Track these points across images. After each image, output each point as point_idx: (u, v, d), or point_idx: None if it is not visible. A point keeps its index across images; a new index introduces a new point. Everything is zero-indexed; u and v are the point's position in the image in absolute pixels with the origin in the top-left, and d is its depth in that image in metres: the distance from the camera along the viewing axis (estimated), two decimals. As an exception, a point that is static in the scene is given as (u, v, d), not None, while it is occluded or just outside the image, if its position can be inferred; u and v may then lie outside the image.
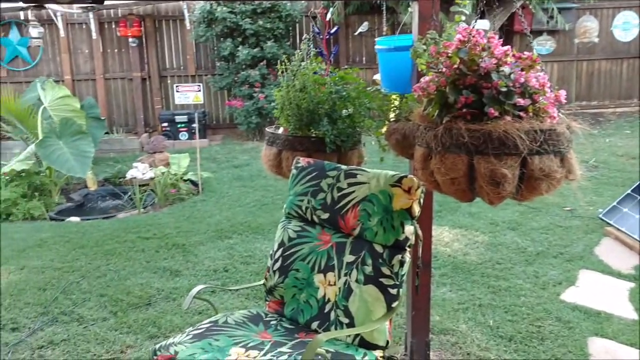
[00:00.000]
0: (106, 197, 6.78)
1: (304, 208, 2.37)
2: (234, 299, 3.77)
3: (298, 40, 10.15)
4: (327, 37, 3.33)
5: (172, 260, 4.51)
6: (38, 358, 3.18)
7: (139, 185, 6.36)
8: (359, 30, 9.73)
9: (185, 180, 6.73)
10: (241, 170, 7.58)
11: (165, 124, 9.49)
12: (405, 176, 2.12)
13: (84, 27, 9.81)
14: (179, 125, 9.47)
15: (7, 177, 6.15)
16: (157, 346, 2.06)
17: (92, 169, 6.92)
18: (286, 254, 2.36)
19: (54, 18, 9.43)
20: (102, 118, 8.94)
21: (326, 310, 2.20)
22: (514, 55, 1.70)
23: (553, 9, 9.51)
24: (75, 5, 9.46)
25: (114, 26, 9.84)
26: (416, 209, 2.10)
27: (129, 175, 6.92)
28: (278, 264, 2.37)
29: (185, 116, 9.42)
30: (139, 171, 6.88)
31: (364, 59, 10.26)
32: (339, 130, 2.59)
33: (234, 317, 2.27)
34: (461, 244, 4.64)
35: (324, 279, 2.23)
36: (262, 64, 9.12)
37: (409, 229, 2.09)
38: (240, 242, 4.85)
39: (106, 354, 3.16)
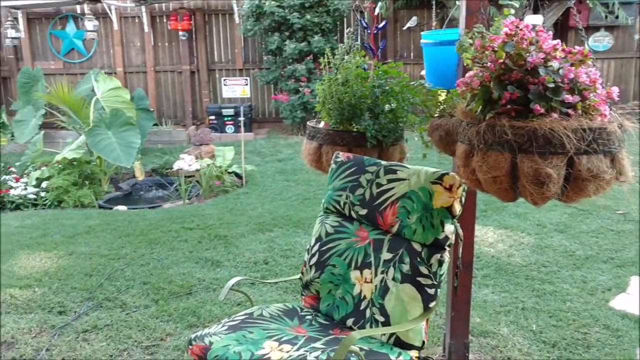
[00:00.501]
0: (153, 187, 6.93)
1: (342, 203, 2.35)
2: (272, 291, 3.78)
3: (345, 35, 10.11)
4: (375, 31, 3.29)
5: (213, 251, 4.56)
6: (82, 341, 3.28)
7: (185, 177, 6.46)
8: (408, 25, 9.61)
9: (229, 173, 6.81)
10: (284, 164, 7.61)
11: (213, 117, 9.63)
12: (447, 173, 2.06)
13: (136, 20, 10.04)
14: (225, 119, 9.59)
15: (60, 166, 6.36)
16: (193, 336, 2.08)
17: (141, 159, 7.09)
18: (323, 249, 2.34)
19: (109, 11, 9.70)
20: (151, 110, 9.15)
21: (362, 308, 2.17)
22: (563, 50, 1.63)
23: (614, 3, 9.13)
24: (128, -1, 9.72)
25: (165, 20, 10.04)
26: (457, 208, 2.04)
27: (175, 166, 7.05)
28: (315, 259, 2.36)
29: (232, 109, 9.53)
30: (185, 163, 7.00)
31: (411, 54, 10.13)
32: (380, 125, 2.55)
33: (269, 310, 2.27)
34: (506, 245, 4.51)
35: (360, 276, 2.20)
36: (308, 58, 9.12)
37: (449, 228, 2.04)
38: (281, 235, 4.87)
39: (147, 340, 3.22)
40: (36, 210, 5.94)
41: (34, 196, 6.03)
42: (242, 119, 7.41)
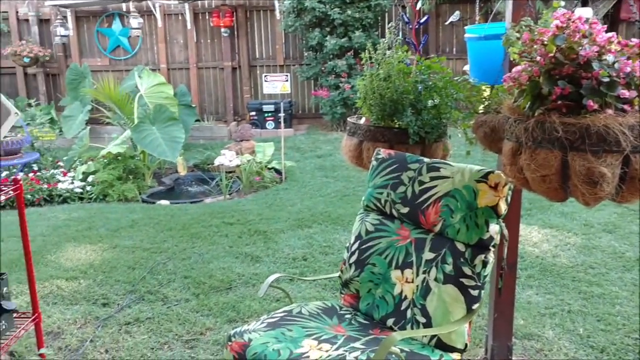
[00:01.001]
0: (195, 182, 7.03)
1: (383, 201, 2.31)
2: (311, 288, 3.77)
3: (387, 30, 10.00)
4: (417, 26, 3.22)
5: (253, 247, 4.58)
6: (124, 333, 3.34)
7: (226, 172, 6.52)
8: (450, 19, 9.44)
9: (269, 169, 6.83)
10: (324, 160, 7.60)
11: (253, 113, 9.69)
12: (492, 172, 2.00)
13: (179, 17, 10.19)
14: (266, 115, 9.63)
15: (105, 160, 6.51)
16: (232, 332, 2.08)
17: (183, 154, 7.19)
18: (363, 247, 2.31)
19: (153, 9, 9.87)
20: (193, 106, 9.28)
21: (402, 308, 2.13)
22: (619, 42, 1.54)
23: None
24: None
25: (207, 17, 10.15)
26: (502, 207, 1.98)
27: (216, 162, 7.12)
28: (354, 257, 2.32)
29: (273, 105, 9.57)
30: (226, 158, 7.07)
31: (454, 49, 9.95)
32: (423, 122, 2.50)
33: (309, 308, 2.25)
34: (551, 245, 4.38)
35: (401, 276, 2.16)
36: (349, 54, 9.07)
37: (494, 227, 1.97)
38: (320, 232, 4.86)
39: (187, 334, 3.26)
40: (82, 203, 6.09)
41: (80, 190, 6.19)
42: (282, 115, 7.41)
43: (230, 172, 6.79)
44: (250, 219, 5.24)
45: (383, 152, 2.38)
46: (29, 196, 5.95)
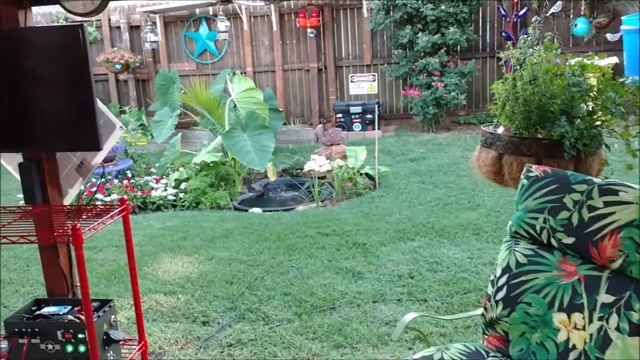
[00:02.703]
0: (285, 188, 6.84)
1: (538, 228, 1.94)
2: (422, 311, 3.43)
3: (481, 25, 9.45)
4: (515, 19, 2.81)
5: (353, 261, 4.30)
6: (227, 356, 3.15)
7: (317, 178, 6.29)
8: (551, 10, 8.76)
9: (361, 174, 6.54)
10: (418, 164, 7.20)
11: (340, 115, 9.43)
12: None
13: (265, 19, 10.09)
14: (352, 116, 9.35)
15: (197, 167, 6.45)
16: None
17: (271, 159, 7.03)
18: (513, 282, 1.95)
19: (239, 12, 9.83)
20: (280, 109, 9.13)
21: (570, 359, 1.76)
22: None
23: None
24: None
25: (293, 17, 9.99)
26: None
27: (306, 167, 6.91)
28: (502, 293, 1.97)
29: (360, 107, 9.27)
30: (317, 163, 6.84)
31: (555, 42, 9.24)
32: (580, 132, 2.10)
33: (451, 354, 1.92)
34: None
35: (567, 320, 1.79)
36: (442, 51, 8.61)
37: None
38: (424, 245, 4.50)
39: (293, 361, 3.02)
40: (175, 211, 6.04)
41: (173, 197, 6.15)
42: (374, 116, 7.11)
43: (321, 177, 6.55)
44: (346, 230, 4.96)
45: (536, 169, 2.00)
46: (124, 203, 5.97)
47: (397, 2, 8.46)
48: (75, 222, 2.01)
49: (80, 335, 2.15)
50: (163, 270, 4.35)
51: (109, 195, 6.08)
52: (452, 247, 4.39)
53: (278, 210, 5.83)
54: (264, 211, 5.82)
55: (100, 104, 2.56)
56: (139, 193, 6.15)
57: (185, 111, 8.49)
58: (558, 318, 1.81)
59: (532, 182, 1.98)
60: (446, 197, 5.74)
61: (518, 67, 2.30)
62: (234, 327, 3.44)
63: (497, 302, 1.98)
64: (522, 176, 2.03)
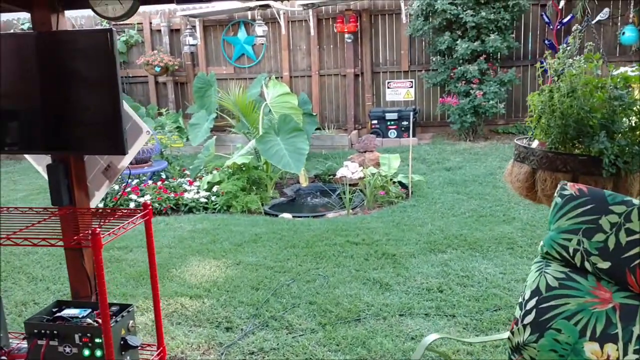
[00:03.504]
0: (316, 194, 6.79)
1: (571, 250, 1.83)
2: (450, 327, 3.33)
3: (523, 32, 9.22)
4: (558, 27, 2.68)
5: (381, 272, 4.21)
6: (249, 365, 3.11)
7: (349, 185, 6.22)
8: (597, 18, 8.48)
9: (394, 182, 6.43)
10: (453, 173, 7.05)
11: (375, 121, 9.34)
12: None
13: (303, 24, 10.09)
14: (388, 123, 9.25)
15: (230, 170, 6.46)
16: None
17: (304, 165, 6.99)
18: (542, 306, 1.84)
19: (277, 16, 9.85)
20: (314, 114, 9.11)
21: (601, 393, 1.65)
22: None
23: None
24: (297, 3, 9.78)
25: (330, 22, 9.96)
26: None
27: (339, 173, 6.84)
28: (530, 317, 1.86)
29: (395, 113, 9.16)
30: (349, 170, 6.76)
31: (600, 51, 8.94)
32: (620, 148, 1.98)
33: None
34: None
35: (599, 351, 1.68)
36: (481, 58, 8.43)
37: None
38: (455, 258, 4.38)
39: (315, 374, 2.95)
40: (207, 214, 6.06)
41: (205, 200, 6.17)
42: (409, 123, 7.01)
43: (353, 184, 6.47)
44: (376, 239, 4.87)
45: (570, 187, 1.89)
46: (156, 205, 6.02)
47: (436, 7, 8.33)
48: (95, 227, 2.00)
49: (97, 340, 2.14)
50: (190, 273, 4.35)
51: (142, 197, 6.14)
52: (484, 261, 4.26)
53: (308, 217, 5.78)
54: (294, 217, 5.78)
55: (127, 108, 2.56)
56: (172, 195, 6.19)
57: (222, 114, 8.55)
58: (590, 348, 1.70)
59: (567, 201, 1.88)
60: (481, 208, 5.59)
61: (556, 78, 2.19)
62: (257, 335, 3.40)
63: (524, 326, 1.88)
64: (555, 194, 1.93)
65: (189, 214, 6.07)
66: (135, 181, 6.67)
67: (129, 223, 2.24)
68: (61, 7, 2.55)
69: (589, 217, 1.79)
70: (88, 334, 2.15)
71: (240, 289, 4.02)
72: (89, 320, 2.23)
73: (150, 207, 2.38)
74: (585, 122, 2.08)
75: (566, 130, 2.09)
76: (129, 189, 6.29)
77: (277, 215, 5.86)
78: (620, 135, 2.03)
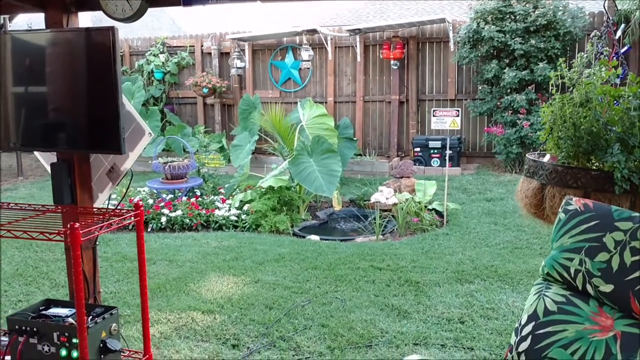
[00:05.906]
0: (349, 218, 6.65)
1: (572, 271, 1.64)
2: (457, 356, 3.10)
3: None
4: (615, 57, 2.49)
5: (402, 298, 4.02)
6: (248, 384, 2.98)
7: (381, 210, 6.05)
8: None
9: (429, 210, 6.22)
10: (493, 204, 6.77)
11: (418, 149, 9.16)
12: None
13: (349, 50, 10.10)
14: (432, 151, 9.05)
15: (262, 190, 6.43)
16: None
17: (339, 189, 6.88)
18: (539, 332, 1.66)
19: (324, 42, 9.90)
20: (355, 139, 9.02)
21: None
22: None
23: None
24: (345, 28, 9.82)
25: (377, 49, 9.92)
26: None
27: (372, 198, 6.69)
28: (525, 344, 1.68)
29: (439, 142, 8.96)
30: (383, 195, 6.60)
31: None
32: (636, 163, 1.79)
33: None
34: None
35: (597, 385, 1.47)
36: (530, 88, 8.16)
37: None
38: (482, 289, 4.13)
39: (312, 398, 2.79)
40: (235, 232, 6.02)
41: (235, 218, 6.14)
42: (447, 152, 6.79)
43: (386, 210, 6.30)
44: (402, 266, 4.68)
45: (575, 202, 1.71)
46: (187, 220, 6.03)
47: (484, 35, 8.15)
48: (74, 223, 1.96)
49: (74, 340, 2.08)
50: (207, 288, 4.28)
51: (174, 212, 6.18)
52: (512, 294, 4.00)
53: (335, 240, 5.64)
54: (321, 239, 5.66)
55: (131, 109, 2.55)
56: (204, 211, 6.20)
57: (265, 137, 8.58)
58: (587, 381, 1.50)
59: (570, 217, 1.69)
60: (517, 240, 5.30)
61: (570, 87, 2.02)
62: (262, 354, 3.28)
63: (519, 354, 1.69)
64: (560, 209, 1.75)
65: (218, 230, 6.05)
66: (170, 196, 6.73)
67: (117, 222, 2.20)
68: (74, 8, 2.59)
69: (593, 235, 1.60)
70: (66, 334, 2.10)
71: (254, 307, 3.92)
72: (70, 320, 2.18)
73: (142, 207, 2.34)
74: (600, 135, 1.89)
75: (579, 143, 1.92)
76: (162, 204, 6.34)
77: (304, 237, 5.75)
78: (638, 148, 1.84)
